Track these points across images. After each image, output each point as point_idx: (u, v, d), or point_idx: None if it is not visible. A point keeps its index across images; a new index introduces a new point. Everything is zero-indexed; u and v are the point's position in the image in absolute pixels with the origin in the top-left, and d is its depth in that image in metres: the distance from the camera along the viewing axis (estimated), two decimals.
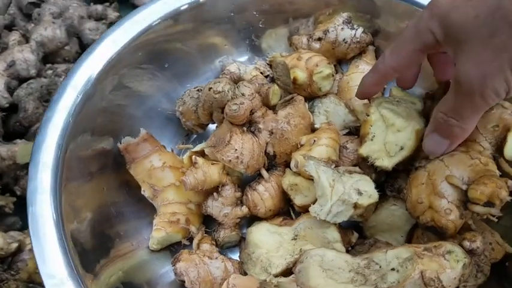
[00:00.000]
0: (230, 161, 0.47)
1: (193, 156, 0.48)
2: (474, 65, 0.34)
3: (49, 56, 0.86)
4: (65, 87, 0.47)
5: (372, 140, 0.46)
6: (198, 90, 0.53)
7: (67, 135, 0.45)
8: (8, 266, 0.64)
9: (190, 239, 0.50)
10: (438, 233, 0.42)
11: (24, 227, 0.70)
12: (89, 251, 0.42)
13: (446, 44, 0.37)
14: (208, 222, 0.52)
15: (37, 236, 0.39)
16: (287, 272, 0.45)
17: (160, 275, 0.49)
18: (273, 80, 0.56)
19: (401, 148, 0.45)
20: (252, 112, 0.48)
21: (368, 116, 0.47)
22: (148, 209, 0.52)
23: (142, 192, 0.50)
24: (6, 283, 0.61)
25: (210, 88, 0.48)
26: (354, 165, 0.48)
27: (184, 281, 0.45)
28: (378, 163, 0.46)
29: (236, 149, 0.47)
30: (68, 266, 0.38)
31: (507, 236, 0.46)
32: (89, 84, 0.48)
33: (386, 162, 0.45)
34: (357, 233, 0.48)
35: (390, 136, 0.46)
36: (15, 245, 0.64)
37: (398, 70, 0.43)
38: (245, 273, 0.47)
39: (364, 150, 0.46)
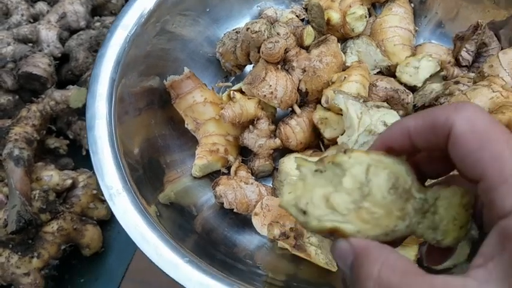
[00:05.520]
0: (265, 95, 0.51)
1: (232, 91, 0.52)
2: None
3: (97, 9, 0.91)
4: (116, 26, 0.52)
5: None
6: (236, 32, 0.57)
7: (119, 70, 0.50)
8: (64, 200, 0.72)
9: (228, 169, 0.55)
10: None
11: (76, 167, 0.77)
12: (140, 171, 0.48)
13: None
14: (245, 155, 0.56)
15: (96, 154, 0.45)
16: None
17: (202, 200, 0.54)
18: (308, 23, 0.59)
19: None
20: (286, 51, 0.52)
21: None
22: (190, 143, 0.57)
23: (186, 126, 0.55)
24: (63, 215, 0.68)
25: (248, 28, 0.52)
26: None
27: (223, 203, 0.51)
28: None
29: (271, 85, 0.51)
30: (122, 180, 0.43)
31: None
32: (138, 24, 0.52)
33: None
34: None
35: None
36: (69, 182, 0.71)
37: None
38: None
39: None
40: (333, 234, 0.28)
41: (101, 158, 0.44)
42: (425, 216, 0.28)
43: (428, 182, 0.31)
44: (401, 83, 0.54)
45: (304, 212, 0.28)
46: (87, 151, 0.79)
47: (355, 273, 0.26)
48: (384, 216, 0.28)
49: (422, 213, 0.28)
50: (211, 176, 0.55)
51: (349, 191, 0.28)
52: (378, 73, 0.56)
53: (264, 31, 0.51)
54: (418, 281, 0.23)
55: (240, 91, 0.54)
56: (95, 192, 0.72)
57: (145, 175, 0.48)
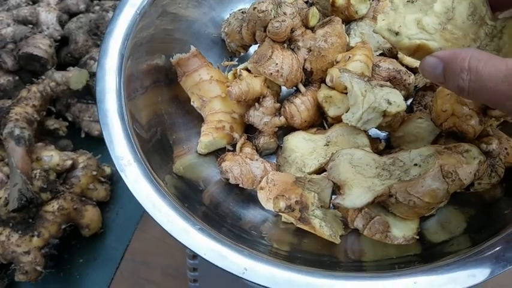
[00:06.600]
0: (271, 74, 0.52)
1: (238, 69, 0.53)
2: None
3: None
4: (124, 4, 0.52)
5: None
6: (242, 12, 0.58)
7: (128, 46, 0.50)
8: (64, 180, 0.72)
9: (234, 146, 0.56)
10: (459, 137, 0.46)
11: (75, 149, 0.78)
12: (149, 144, 0.49)
13: None
14: (250, 133, 0.57)
15: (106, 127, 0.45)
16: (319, 172, 0.51)
17: (208, 177, 0.55)
18: (312, 5, 0.60)
19: None
20: (292, 30, 0.53)
21: None
22: (196, 121, 0.57)
23: (191, 103, 0.56)
24: (63, 194, 0.69)
25: (255, 8, 0.53)
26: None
27: (228, 179, 0.52)
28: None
29: (277, 63, 0.52)
30: (132, 151, 0.44)
31: None
32: (145, 1, 0.53)
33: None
34: (384, 142, 0.52)
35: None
36: (69, 162, 0.72)
37: None
38: None
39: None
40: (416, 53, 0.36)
41: (111, 130, 0.45)
42: (493, 40, 0.36)
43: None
44: (403, 65, 0.55)
45: (397, 33, 0.35)
46: (86, 133, 0.80)
47: (448, 74, 0.33)
48: (462, 37, 0.35)
49: (491, 38, 0.36)
50: (217, 154, 0.56)
51: (438, 14, 0.35)
52: (380, 55, 0.57)
53: (271, 11, 0.52)
54: (498, 62, 0.30)
55: (246, 70, 0.55)
56: (94, 173, 0.73)
57: (154, 148, 0.49)
